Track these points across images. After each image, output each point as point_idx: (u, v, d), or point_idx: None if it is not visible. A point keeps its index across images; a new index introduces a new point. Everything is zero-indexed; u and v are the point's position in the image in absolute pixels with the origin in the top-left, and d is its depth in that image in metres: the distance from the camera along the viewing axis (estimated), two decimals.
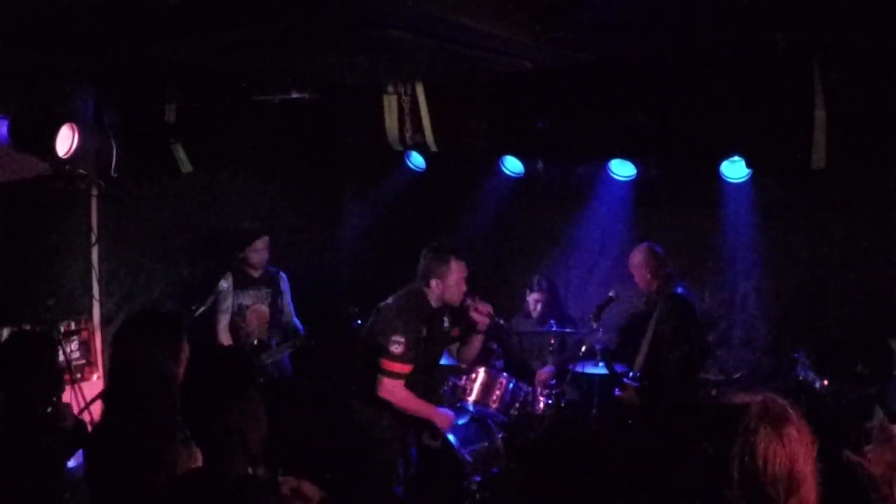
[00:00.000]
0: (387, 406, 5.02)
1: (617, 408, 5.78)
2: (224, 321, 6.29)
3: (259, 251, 6.34)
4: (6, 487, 3.16)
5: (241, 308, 6.34)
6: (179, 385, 2.93)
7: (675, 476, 2.40)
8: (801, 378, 5.38)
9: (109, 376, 3.66)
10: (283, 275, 6.54)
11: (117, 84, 5.66)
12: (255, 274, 6.41)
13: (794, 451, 2.15)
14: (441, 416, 5.20)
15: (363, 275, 7.82)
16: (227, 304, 6.29)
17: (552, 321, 6.50)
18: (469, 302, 5.26)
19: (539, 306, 6.58)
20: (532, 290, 6.62)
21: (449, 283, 5.06)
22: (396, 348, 4.89)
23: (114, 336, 3.58)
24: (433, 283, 5.06)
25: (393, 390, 4.96)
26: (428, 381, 5.20)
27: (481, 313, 5.29)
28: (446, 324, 5.37)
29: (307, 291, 6.82)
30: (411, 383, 5.03)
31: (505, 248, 7.57)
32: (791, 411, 2.22)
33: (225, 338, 6.27)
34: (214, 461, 2.65)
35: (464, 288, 5.13)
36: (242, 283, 6.35)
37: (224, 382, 2.72)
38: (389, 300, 5.21)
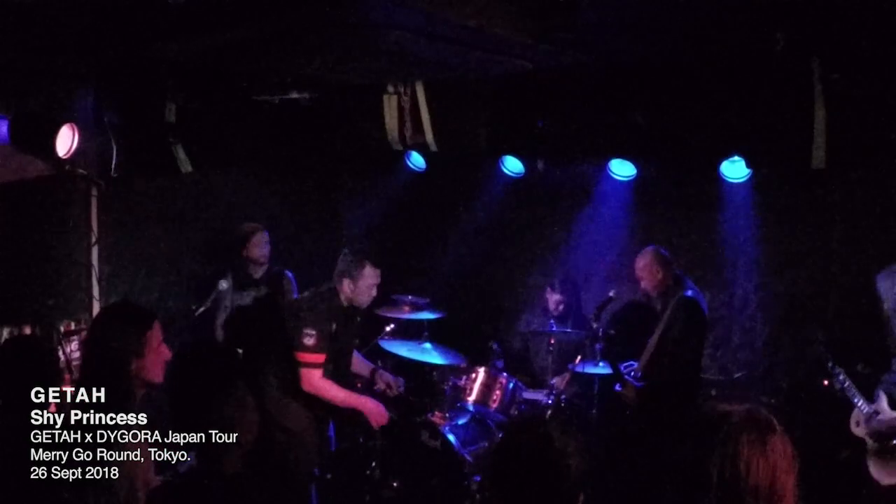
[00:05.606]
0: (303, 397, 5.08)
1: (617, 404, 5.78)
2: (221, 319, 6.31)
3: (260, 245, 6.34)
4: (6, 489, 3.16)
5: (240, 309, 6.31)
6: (140, 376, 3.07)
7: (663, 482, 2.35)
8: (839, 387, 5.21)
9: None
10: (288, 274, 6.48)
11: (117, 84, 5.65)
12: (257, 274, 6.39)
13: (777, 463, 2.10)
14: (370, 405, 5.20)
15: None
16: (226, 303, 6.30)
17: (552, 323, 6.51)
18: (378, 378, 5.52)
19: (561, 307, 6.56)
20: (554, 290, 6.59)
21: (359, 287, 5.15)
22: (309, 340, 5.01)
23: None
24: (345, 282, 5.15)
25: (313, 381, 5.05)
26: (336, 373, 5.23)
27: (391, 388, 5.50)
28: (355, 326, 5.43)
29: None
30: (326, 375, 5.11)
31: (504, 248, 7.57)
32: (776, 423, 2.17)
33: (220, 335, 6.28)
34: (210, 458, 2.67)
35: (374, 294, 5.24)
36: (243, 284, 6.34)
37: (216, 379, 2.74)
38: (304, 294, 5.35)
